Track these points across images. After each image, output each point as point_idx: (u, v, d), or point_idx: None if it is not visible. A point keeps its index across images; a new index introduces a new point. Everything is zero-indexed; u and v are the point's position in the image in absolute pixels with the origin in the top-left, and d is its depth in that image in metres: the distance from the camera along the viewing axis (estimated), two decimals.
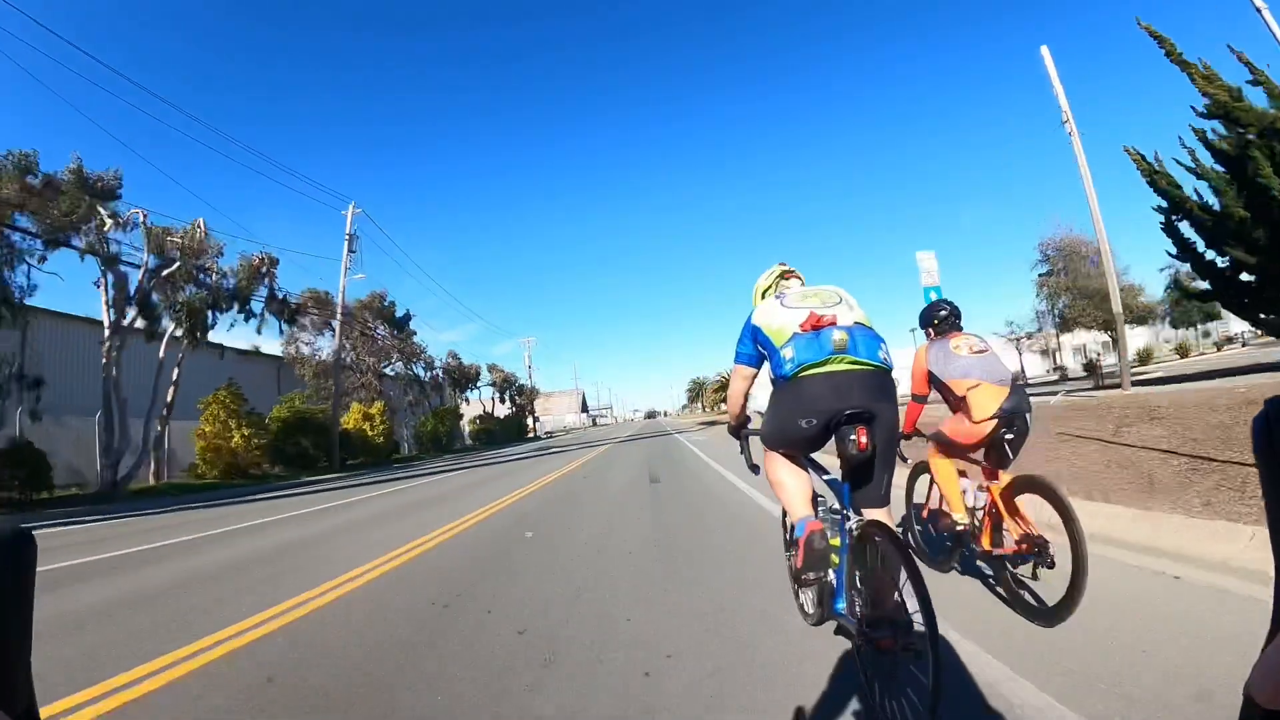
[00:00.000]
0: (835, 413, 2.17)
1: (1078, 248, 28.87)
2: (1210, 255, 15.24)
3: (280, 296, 20.75)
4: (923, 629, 1.81)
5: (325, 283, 32.34)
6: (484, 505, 8.68)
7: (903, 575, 1.90)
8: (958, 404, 3.19)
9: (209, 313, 19.11)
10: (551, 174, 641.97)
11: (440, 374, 41.10)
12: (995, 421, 2.99)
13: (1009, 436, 3.02)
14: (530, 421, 64.26)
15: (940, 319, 3.47)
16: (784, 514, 2.89)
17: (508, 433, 53.33)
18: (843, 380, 2.19)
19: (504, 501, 9.06)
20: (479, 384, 50.18)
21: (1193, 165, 13.75)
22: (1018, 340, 34.93)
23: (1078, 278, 26.93)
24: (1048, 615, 2.75)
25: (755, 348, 2.48)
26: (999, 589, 3.18)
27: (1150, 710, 2.01)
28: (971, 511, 3.26)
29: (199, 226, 19.68)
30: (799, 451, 2.49)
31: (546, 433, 72.27)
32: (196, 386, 23.72)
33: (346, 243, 27.16)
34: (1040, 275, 30.03)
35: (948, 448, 3.27)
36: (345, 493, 13.96)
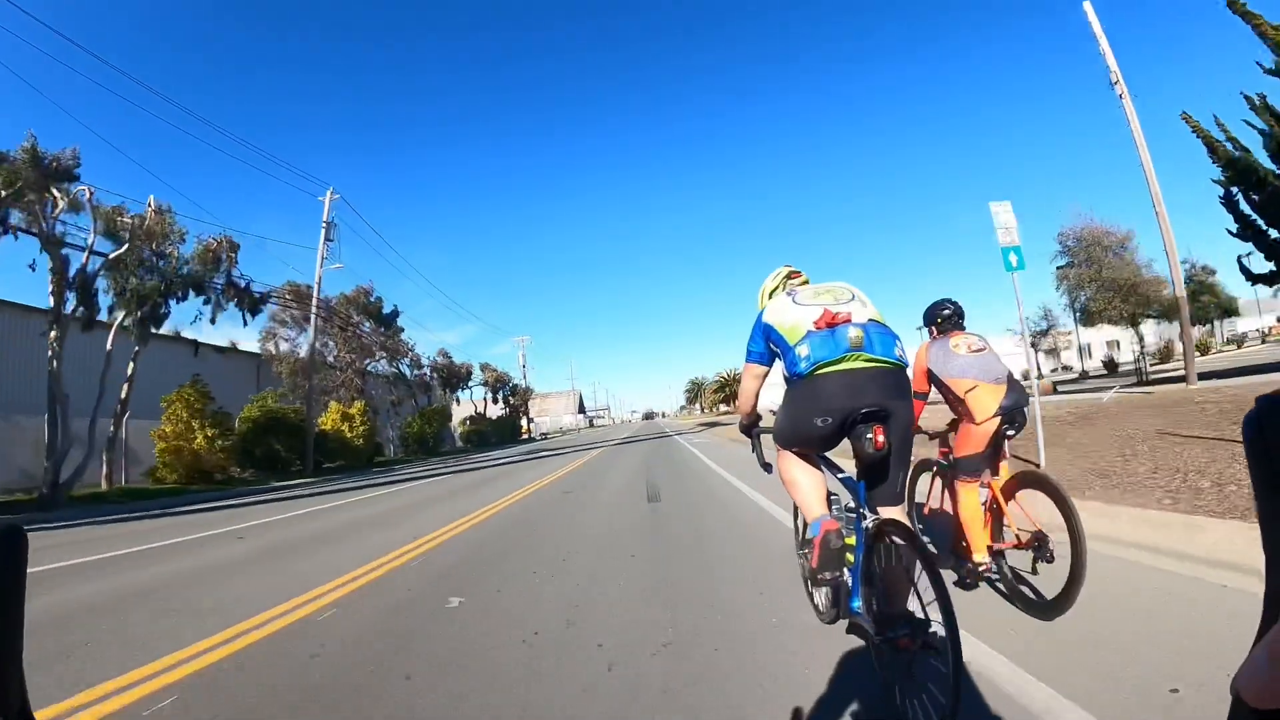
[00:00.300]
0: (851, 411, 2.12)
1: (1100, 238, 27.28)
2: (1275, 234, 13.64)
3: (243, 284, 18.88)
4: (940, 627, 1.77)
5: (308, 277, 30.62)
6: (425, 534, 6.55)
7: (921, 574, 1.87)
8: (957, 404, 3.23)
9: (162, 301, 17.26)
10: (549, 178, 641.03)
11: (428, 372, 39.21)
12: (998, 420, 3.05)
13: (1009, 432, 3.09)
14: (525, 422, 62.40)
15: (943, 318, 3.48)
16: (795, 512, 3.11)
17: (501, 434, 51.49)
18: (859, 378, 2.13)
19: (453, 529, 6.89)
20: (471, 383, 48.33)
21: (1266, 127, 12.08)
22: (1033, 338, 33.36)
23: (1103, 268, 25.29)
24: (1047, 609, 2.76)
25: (767, 346, 2.44)
26: (999, 584, 3.20)
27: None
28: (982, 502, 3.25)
29: (151, 205, 17.86)
30: (814, 450, 2.44)
31: (542, 434, 70.44)
32: (166, 384, 21.99)
33: (324, 230, 25.39)
34: (1059, 268, 28.46)
35: (968, 465, 3.17)
36: (296, 504, 12.17)
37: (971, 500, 3.14)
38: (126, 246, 17.62)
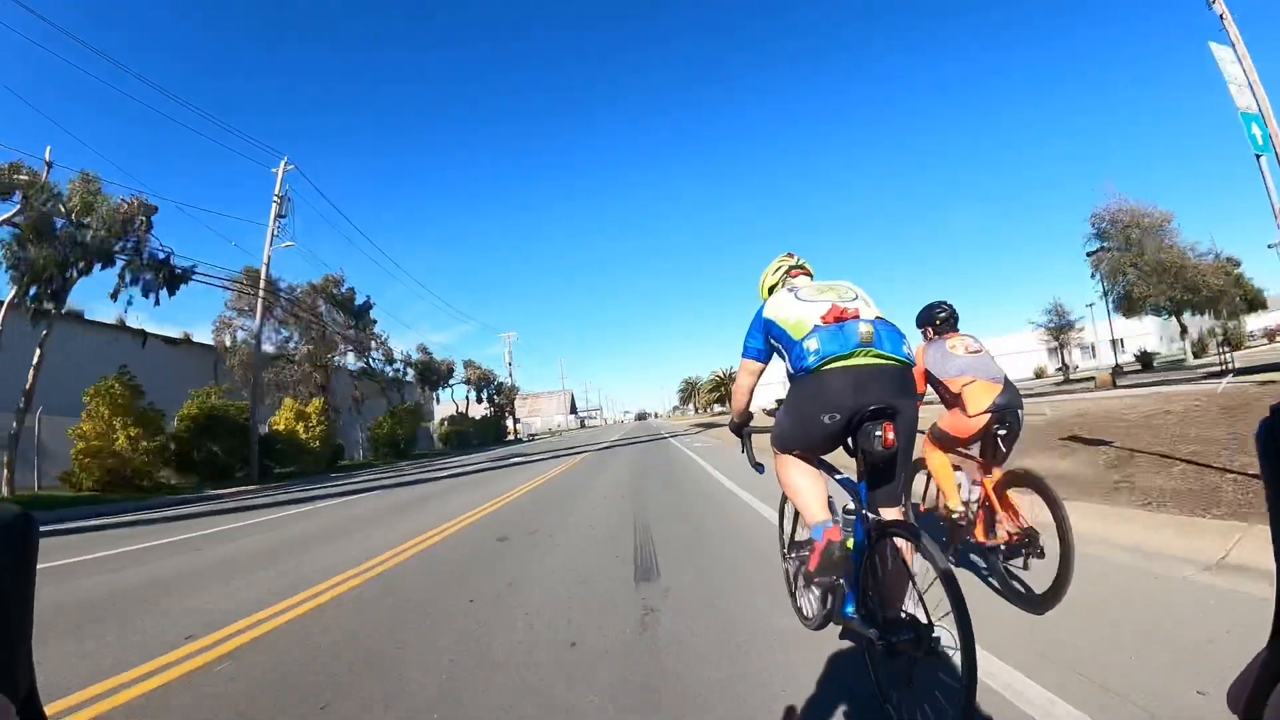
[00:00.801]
0: (859, 408, 2.04)
1: (1137, 219, 24.86)
2: None
3: (162, 256, 15.97)
4: (944, 632, 1.75)
5: (280, 267, 27.63)
6: (145, 662, 3.10)
7: (929, 575, 1.79)
8: (953, 400, 3.27)
9: (57, 274, 14.38)
10: (543, 181, 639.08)
11: (402, 368, 36.24)
12: (989, 416, 3.10)
13: (1001, 432, 3.14)
14: (511, 423, 59.46)
15: (939, 320, 3.54)
16: (781, 510, 3.26)
17: (484, 435, 48.50)
18: (867, 375, 2.06)
19: (288, 609, 3.87)
20: (452, 381, 45.39)
21: None
22: (1058, 334, 30.84)
23: (1145, 250, 22.81)
24: (1037, 603, 2.82)
25: (766, 342, 2.37)
26: (991, 579, 3.24)
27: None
28: (966, 504, 3.34)
29: (48, 159, 14.99)
30: (816, 451, 2.35)
31: (530, 435, 67.49)
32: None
33: (275, 204, 22.53)
34: (1090, 253, 26.00)
35: (944, 442, 3.31)
36: (170, 529, 9.40)
37: (937, 457, 3.34)
38: (17, 208, 14.77)
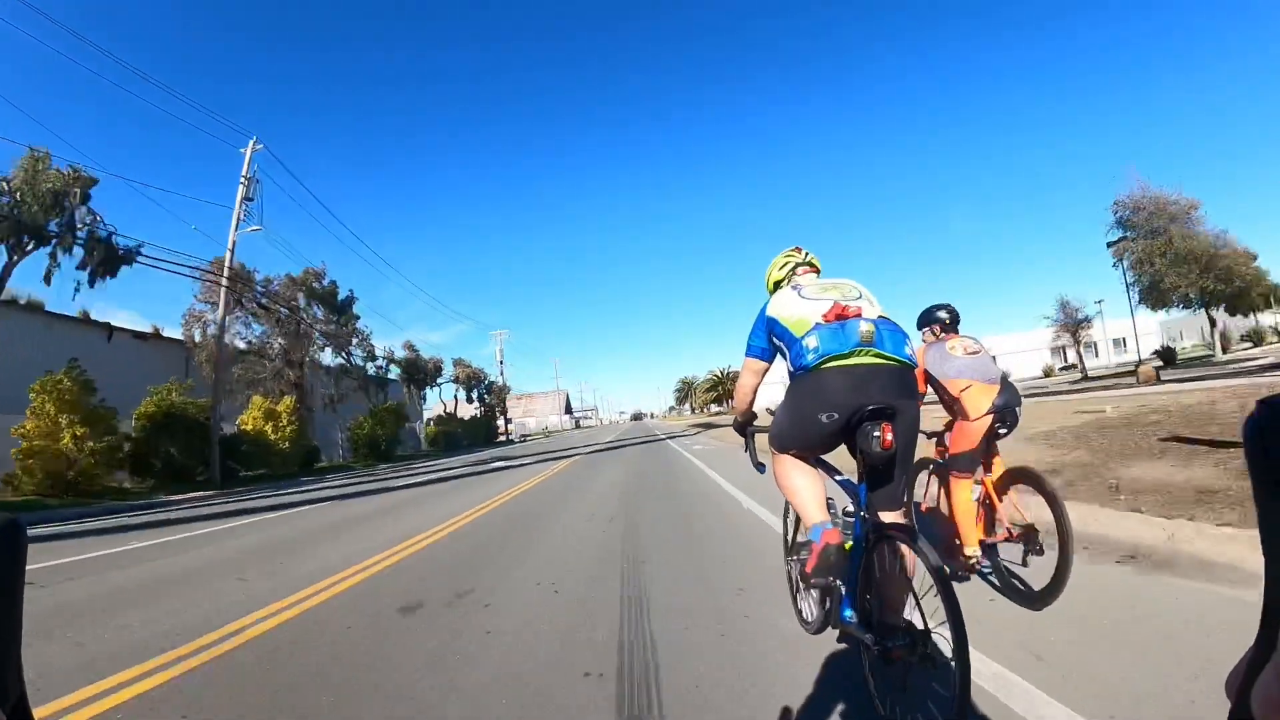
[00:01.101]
0: (858, 408, 1.99)
1: (1163, 206, 23.47)
2: None
3: (104, 235, 14.33)
4: (942, 640, 1.69)
5: (274, 270, 26.02)
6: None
7: (927, 581, 1.73)
8: (952, 404, 3.30)
9: None
10: (540, 183, 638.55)
11: (385, 364, 34.55)
12: (990, 418, 3.14)
13: (1002, 430, 3.24)
14: (502, 423, 57.78)
15: (940, 321, 3.61)
16: (785, 514, 3.06)
17: (474, 435, 46.83)
18: (867, 374, 2.02)
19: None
20: (440, 380, 43.74)
21: None
22: (1075, 330, 29.44)
23: (1173, 239, 21.38)
24: (1036, 599, 2.84)
25: (769, 341, 2.33)
26: (991, 577, 3.26)
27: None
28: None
29: None
30: (814, 451, 2.30)
31: (522, 436, 65.79)
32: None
33: (242, 187, 20.90)
34: (1111, 243, 24.60)
35: (963, 462, 3.27)
36: (66, 548, 7.76)
37: (965, 495, 3.25)
38: None
